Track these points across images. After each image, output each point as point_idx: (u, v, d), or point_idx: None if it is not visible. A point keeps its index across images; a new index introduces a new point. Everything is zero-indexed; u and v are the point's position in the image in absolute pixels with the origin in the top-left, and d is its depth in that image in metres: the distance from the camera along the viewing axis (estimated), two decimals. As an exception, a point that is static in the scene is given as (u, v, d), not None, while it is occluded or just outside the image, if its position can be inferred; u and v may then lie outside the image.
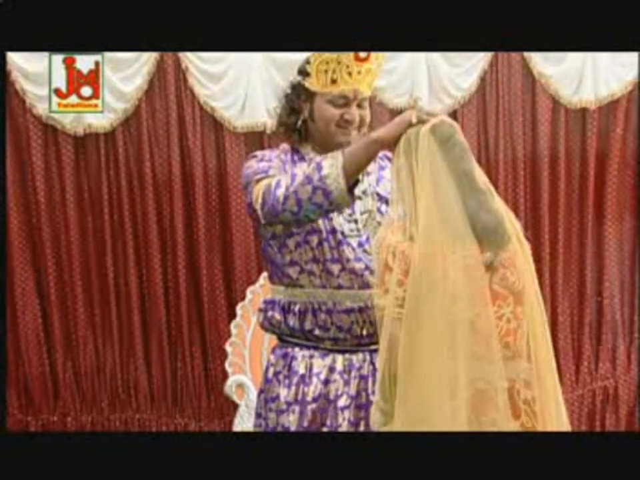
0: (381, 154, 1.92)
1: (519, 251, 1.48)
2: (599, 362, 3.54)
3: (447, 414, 1.34)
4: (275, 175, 1.70)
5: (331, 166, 1.55)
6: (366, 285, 1.72)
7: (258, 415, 1.88)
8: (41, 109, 2.99)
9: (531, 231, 3.41)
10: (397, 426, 1.40)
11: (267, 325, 1.88)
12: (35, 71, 2.95)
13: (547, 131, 3.37)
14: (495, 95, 3.33)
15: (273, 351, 1.90)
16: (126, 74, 3.01)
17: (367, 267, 1.74)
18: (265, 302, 1.90)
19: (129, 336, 3.21)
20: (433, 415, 1.36)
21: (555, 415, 1.45)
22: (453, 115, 3.29)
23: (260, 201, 1.66)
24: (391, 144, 1.53)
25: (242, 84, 3.08)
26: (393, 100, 3.22)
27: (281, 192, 1.60)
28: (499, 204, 1.50)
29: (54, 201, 3.11)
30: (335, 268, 1.74)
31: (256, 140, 3.16)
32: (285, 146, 1.87)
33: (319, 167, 1.57)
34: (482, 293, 1.39)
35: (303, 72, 1.77)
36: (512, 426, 1.38)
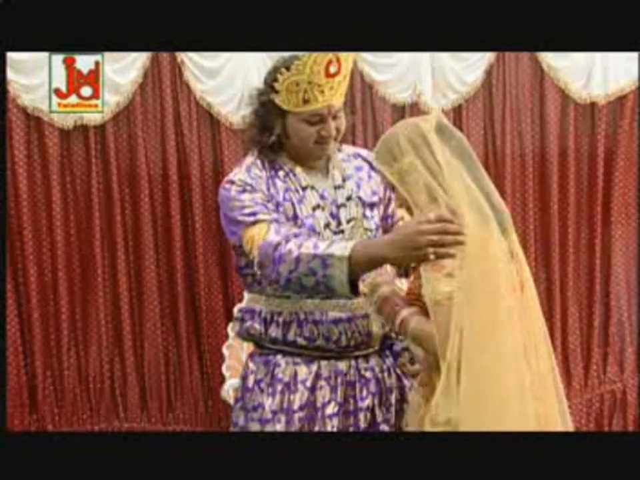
0: (352, 151, 1.90)
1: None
2: (606, 365, 3.49)
3: (515, 412, 1.38)
4: (266, 220, 1.65)
5: (337, 268, 1.52)
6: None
7: (235, 425, 1.82)
8: (26, 99, 2.86)
9: (540, 230, 3.38)
10: (463, 425, 1.37)
11: (245, 335, 1.83)
12: (19, 58, 2.80)
13: (556, 126, 3.30)
14: (502, 89, 3.25)
15: (252, 357, 1.84)
16: (120, 65, 2.91)
17: None
18: (243, 311, 1.84)
19: (118, 340, 3.10)
20: (503, 412, 1.39)
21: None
22: (458, 110, 3.23)
23: (257, 260, 1.64)
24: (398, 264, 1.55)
25: (239, 79, 2.99)
26: (395, 95, 3.15)
27: (283, 271, 1.58)
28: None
29: (37, 199, 2.96)
30: None
31: (254, 136, 3.06)
32: (255, 160, 1.79)
33: (324, 264, 1.53)
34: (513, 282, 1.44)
35: (272, 87, 1.71)
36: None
